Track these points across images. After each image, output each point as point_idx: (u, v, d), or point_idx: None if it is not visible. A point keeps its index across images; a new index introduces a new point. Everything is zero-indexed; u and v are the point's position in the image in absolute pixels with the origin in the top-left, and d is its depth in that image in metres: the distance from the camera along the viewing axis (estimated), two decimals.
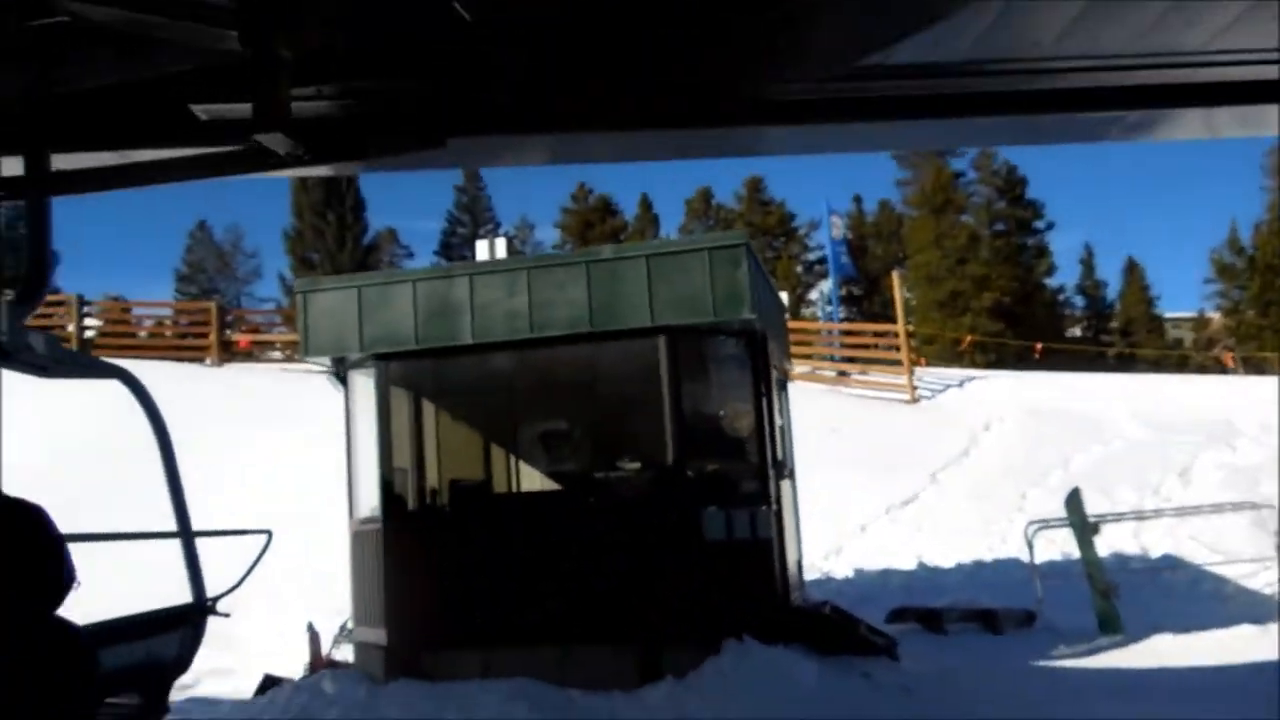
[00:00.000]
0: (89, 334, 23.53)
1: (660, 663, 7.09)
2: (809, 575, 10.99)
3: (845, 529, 13.93)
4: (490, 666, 7.27)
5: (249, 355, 22.28)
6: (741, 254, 7.47)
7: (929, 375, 23.18)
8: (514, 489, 9.42)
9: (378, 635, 7.63)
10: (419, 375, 8.17)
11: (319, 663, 8.61)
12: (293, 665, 8.82)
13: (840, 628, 8.27)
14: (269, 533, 4.58)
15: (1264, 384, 23.77)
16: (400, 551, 7.59)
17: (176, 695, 9.47)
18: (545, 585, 7.36)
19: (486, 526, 7.64)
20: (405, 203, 78.10)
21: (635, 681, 6.97)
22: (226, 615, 4.10)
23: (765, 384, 8.19)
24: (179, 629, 3.80)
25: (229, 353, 21.43)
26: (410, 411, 8.19)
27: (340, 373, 8.29)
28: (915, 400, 20.73)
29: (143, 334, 24.74)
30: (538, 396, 8.90)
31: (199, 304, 24.54)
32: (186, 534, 4.02)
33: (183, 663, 3.88)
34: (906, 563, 12.43)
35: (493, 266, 7.85)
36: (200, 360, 21.72)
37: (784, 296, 16.28)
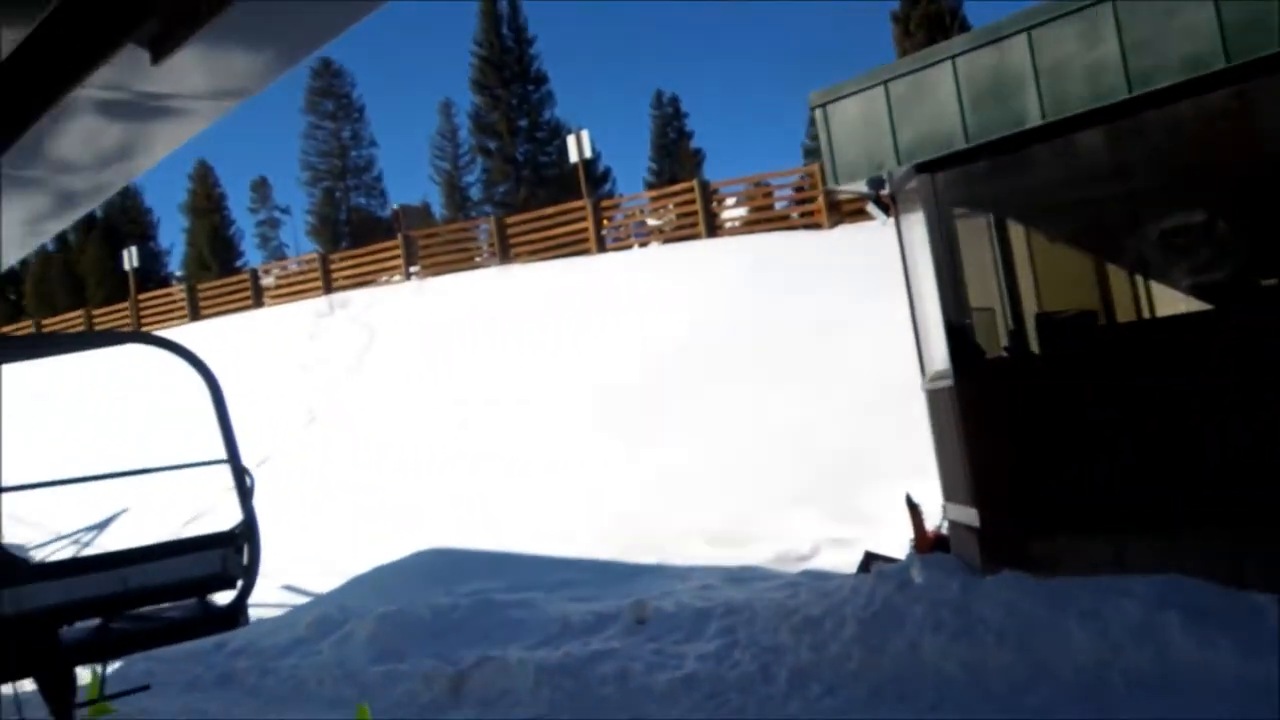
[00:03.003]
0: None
1: None
2: None
3: None
4: (1125, 558, 5.27)
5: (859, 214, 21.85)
6: None
7: None
8: (1134, 315, 6.93)
9: (968, 515, 6.06)
10: (977, 182, 6.21)
11: (923, 540, 7.42)
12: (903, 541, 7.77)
13: None
14: None
15: None
16: (980, 412, 5.84)
17: (795, 565, 9.23)
18: (1200, 445, 5.08)
19: (1100, 369, 5.52)
20: None
21: None
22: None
23: None
24: (219, 550, 4.08)
25: (838, 213, 21.16)
26: (971, 232, 6.30)
27: (882, 198, 6.68)
28: None
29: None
30: (1151, 181, 6.32)
31: None
32: (235, 464, 4.25)
33: (226, 579, 4.12)
34: None
35: (1061, 8, 5.53)
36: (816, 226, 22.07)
37: None
